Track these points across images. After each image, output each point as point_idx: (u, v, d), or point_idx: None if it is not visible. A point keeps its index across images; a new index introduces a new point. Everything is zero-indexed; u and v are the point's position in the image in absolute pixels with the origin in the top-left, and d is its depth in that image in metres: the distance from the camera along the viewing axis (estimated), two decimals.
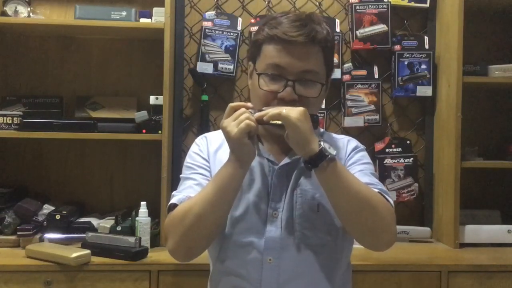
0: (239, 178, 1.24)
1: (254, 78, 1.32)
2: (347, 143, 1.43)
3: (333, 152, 1.19)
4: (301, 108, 1.19)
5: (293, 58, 1.26)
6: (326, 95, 1.41)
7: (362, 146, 1.46)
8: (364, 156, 1.43)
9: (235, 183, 1.25)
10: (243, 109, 1.20)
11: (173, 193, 1.36)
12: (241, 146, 1.20)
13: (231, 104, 1.22)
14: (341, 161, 1.37)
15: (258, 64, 1.32)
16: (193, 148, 1.43)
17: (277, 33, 1.27)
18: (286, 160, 1.34)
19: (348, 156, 1.40)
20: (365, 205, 1.23)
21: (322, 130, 1.49)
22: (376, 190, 1.29)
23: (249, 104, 1.23)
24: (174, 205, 1.31)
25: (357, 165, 1.38)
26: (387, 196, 1.31)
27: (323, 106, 2.28)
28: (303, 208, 1.31)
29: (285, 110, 1.17)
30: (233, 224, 1.33)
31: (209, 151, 1.40)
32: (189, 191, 1.32)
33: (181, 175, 1.40)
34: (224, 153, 1.34)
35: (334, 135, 1.48)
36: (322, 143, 1.19)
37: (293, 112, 1.17)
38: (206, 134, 1.46)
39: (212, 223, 1.27)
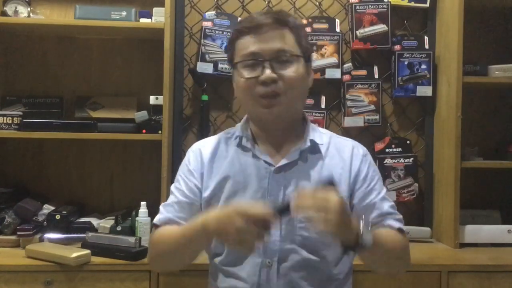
0: (202, 242, 1.28)
1: (235, 73, 1.35)
2: (352, 150, 1.41)
3: (370, 240, 1.16)
4: (336, 205, 1.09)
5: (264, 42, 1.30)
6: (312, 79, 1.41)
7: (367, 153, 1.44)
8: (374, 170, 1.42)
9: (199, 243, 1.29)
10: (260, 233, 1.11)
11: (161, 206, 1.43)
12: (212, 238, 1.23)
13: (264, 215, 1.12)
14: (343, 169, 1.37)
15: (235, 61, 1.35)
16: (185, 159, 1.45)
17: (245, 25, 1.33)
18: (283, 162, 1.34)
19: (358, 169, 1.38)
20: (395, 259, 1.34)
21: (316, 126, 1.46)
22: (396, 226, 1.35)
23: (272, 222, 1.14)
24: (156, 225, 1.41)
25: (374, 188, 1.38)
26: (404, 229, 1.38)
27: (322, 105, 2.28)
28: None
29: (323, 214, 1.08)
30: None
31: (204, 163, 1.40)
32: (170, 210, 1.40)
33: (172, 185, 1.45)
34: (219, 161, 1.37)
35: (336, 137, 1.46)
36: (361, 233, 1.15)
37: (331, 215, 1.08)
38: (199, 145, 1.45)
39: (180, 258, 1.36)
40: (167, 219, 1.39)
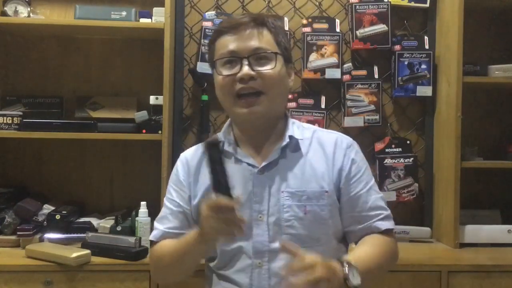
0: (201, 249, 1.28)
1: (215, 73, 1.35)
2: (335, 143, 1.39)
3: (358, 280, 1.15)
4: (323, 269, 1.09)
5: (242, 41, 1.31)
6: (292, 80, 1.41)
7: (352, 143, 1.41)
8: (360, 160, 1.39)
9: (197, 252, 1.29)
10: (231, 218, 1.12)
11: (155, 221, 1.45)
12: (207, 241, 1.22)
13: (216, 202, 1.13)
14: (326, 164, 1.35)
15: (214, 59, 1.36)
16: (174, 170, 1.46)
17: (224, 25, 1.35)
18: (265, 162, 1.34)
19: (342, 163, 1.36)
20: (385, 270, 1.36)
21: (300, 122, 1.45)
22: (383, 228, 1.35)
23: (234, 204, 1.13)
24: (153, 241, 1.42)
25: (360, 180, 1.36)
26: (391, 227, 1.38)
27: (322, 106, 2.28)
28: (291, 210, 1.30)
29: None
30: None
31: (190, 172, 1.41)
32: (165, 222, 1.41)
33: (164, 198, 1.46)
34: (205, 168, 1.34)
35: (321, 131, 1.44)
36: (348, 278, 1.14)
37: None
38: (186, 154, 1.46)
39: (181, 270, 1.37)
40: (163, 233, 1.40)
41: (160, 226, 1.42)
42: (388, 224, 1.37)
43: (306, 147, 1.38)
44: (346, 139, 1.41)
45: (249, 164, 1.35)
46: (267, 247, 1.30)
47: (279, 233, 1.30)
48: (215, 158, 1.16)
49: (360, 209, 1.35)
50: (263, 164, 1.34)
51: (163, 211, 1.44)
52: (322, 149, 1.37)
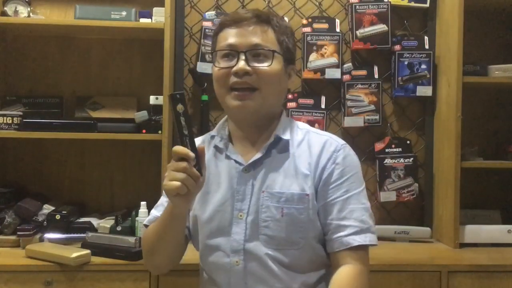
0: (177, 218, 1.28)
1: (213, 66, 1.36)
2: (323, 145, 1.34)
3: None
4: None
5: (243, 35, 1.31)
6: (292, 81, 1.40)
7: (342, 147, 1.35)
8: (348, 166, 1.33)
9: (175, 222, 1.29)
10: (183, 165, 1.13)
11: (152, 209, 1.48)
12: (171, 200, 1.20)
13: (174, 149, 1.15)
14: (310, 165, 1.32)
15: (214, 51, 1.36)
16: None
17: (227, 18, 1.35)
18: (250, 160, 1.34)
19: (324, 166, 1.32)
20: None
21: (297, 122, 1.43)
22: (355, 244, 1.27)
23: (191, 154, 1.14)
24: (145, 225, 1.45)
25: (340, 187, 1.30)
26: (368, 241, 1.29)
27: (322, 106, 2.28)
28: (268, 211, 1.29)
29: None
30: (201, 227, 1.36)
31: None
32: (160, 209, 1.43)
33: None
34: (208, 164, 1.35)
35: (313, 132, 1.40)
36: None
37: None
38: None
39: (165, 249, 1.37)
40: (155, 218, 1.43)
41: (154, 212, 1.46)
42: (362, 239, 1.27)
43: (294, 148, 1.35)
44: (336, 142, 1.36)
45: (236, 161, 1.35)
46: (243, 246, 1.29)
47: (255, 233, 1.29)
48: (179, 109, 1.16)
49: (333, 217, 1.29)
50: (249, 162, 1.34)
51: (161, 199, 1.48)
52: (309, 150, 1.34)
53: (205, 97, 2.22)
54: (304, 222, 1.29)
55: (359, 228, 1.28)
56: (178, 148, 1.14)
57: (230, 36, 1.31)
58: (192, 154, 1.14)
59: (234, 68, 1.29)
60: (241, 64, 1.28)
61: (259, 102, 1.30)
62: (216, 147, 1.40)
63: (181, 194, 1.14)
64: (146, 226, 1.46)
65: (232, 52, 1.31)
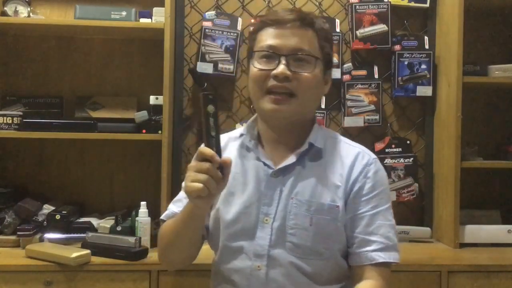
0: (196, 218, 1.26)
1: (250, 65, 1.32)
2: (355, 157, 1.33)
3: None
4: None
5: (284, 37, 1.27)
6: (328, 88, 1.37)
7: (373, 162, 1.33)
8: (378, 181, 1.31)
9: (194, 221, 1.27)
10: (206, 166, 1.10)
11: (171, 203, 1.45)
12: (192, 201, 1.18)
13: (200, 149, 1.13)
14: (341, 176, 1.30)
15: (253, 50, 1.33)
16: None
17: (270, 17, 1.31)
18: (281, 165, 1.31)
19: (356, 178, 1.30)
20: None
21: (328, 130, 1.42)
22: (380, 260, 1.26)
23: (217, 158, 1.11)
24: (162, 220, 1.42)
25: (369, 201, 1.29)
26: (393, 260, 1.28)
27: (323, 106, 2.28)
28: (296, 218, 1.27)
29: None
30: (225, 228, 1.32)
31: None
32: (178, 204, 1.40)
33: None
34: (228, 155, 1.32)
35: (345, 142, 1.38)
36: None
37: None
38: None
39: (182, 247, 1.35)
40: (173, 213, 1.40)
41: (172, 207, 1.42)
42: (387, 256, 1.27)
43: (326, 157, 1.32)
44: (368, 155, 1.34)
45: (265, 164, 1.32)
46: (267, 251, 1.27)
47: (281, 240, 1.27)
48: (210, 110, 1.14)
49: (360, 230, 1.28)
50: (279, 167, 1.31)
51: (180, 194, 1.43)
52: (341, 161, 1.32)
53: None
54: (331, 233, 1.27)
55: (384, 245, 1.28)
56: (205, 150, 1.11)
57: (271, 37, 1.28)
58: (217, 158, 1.11)
59: (274, 71, 1.25)
60: (282, 68, 1.25)
61: (295, 108, 1.27)
62: (244, 145, 1.37)
63: (202, 196, 1.11)
64: (163, 221, 1.42)
65: (273, 54, 1.27)
